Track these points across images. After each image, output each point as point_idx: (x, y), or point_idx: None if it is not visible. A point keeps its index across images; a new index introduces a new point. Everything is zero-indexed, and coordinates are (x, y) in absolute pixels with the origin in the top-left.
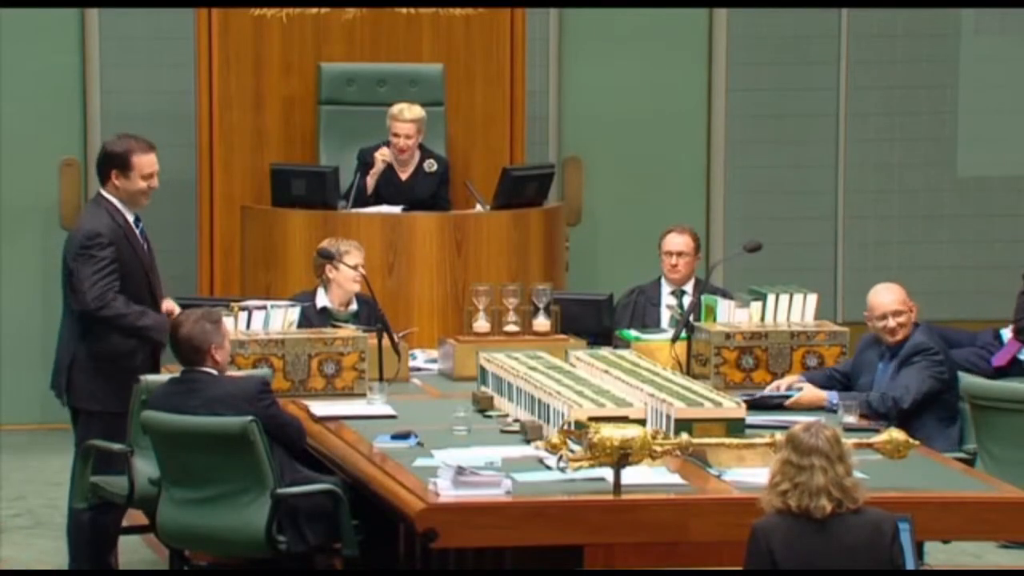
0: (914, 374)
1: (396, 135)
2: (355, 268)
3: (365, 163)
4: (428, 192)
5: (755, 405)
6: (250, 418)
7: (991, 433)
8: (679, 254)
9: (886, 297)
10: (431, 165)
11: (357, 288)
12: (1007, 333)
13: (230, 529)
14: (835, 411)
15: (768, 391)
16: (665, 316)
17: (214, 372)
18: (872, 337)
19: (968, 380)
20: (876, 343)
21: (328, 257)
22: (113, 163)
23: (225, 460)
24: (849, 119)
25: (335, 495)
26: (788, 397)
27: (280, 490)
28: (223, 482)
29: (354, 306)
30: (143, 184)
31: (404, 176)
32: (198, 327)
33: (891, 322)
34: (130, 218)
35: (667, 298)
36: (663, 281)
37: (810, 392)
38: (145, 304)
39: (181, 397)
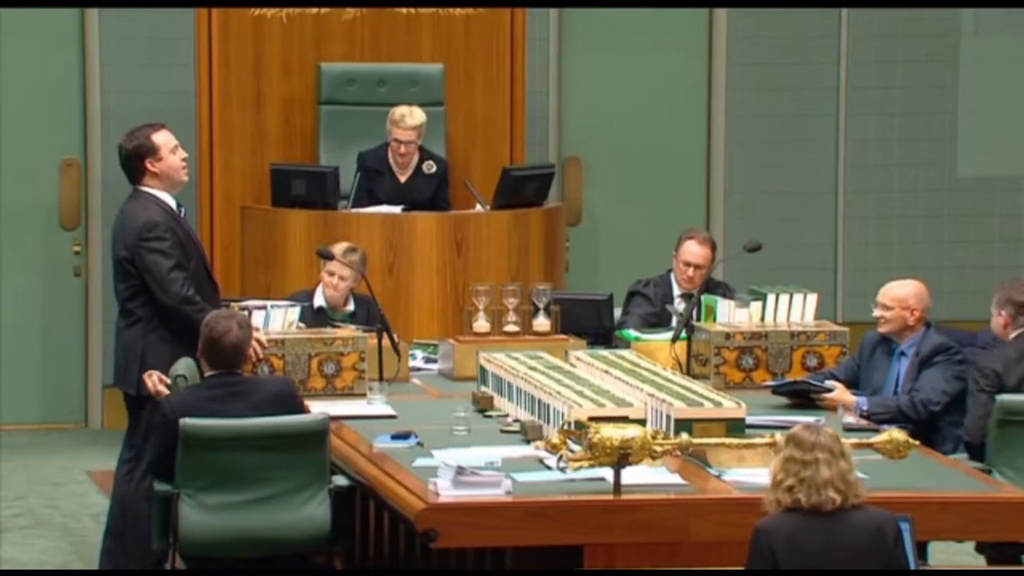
0: (938, 375)
1: (397, 141)
2: (332, 274)
3: (365, 168)
4: (427, 194)
5: (783, 392)
6: (327, 415)
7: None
8: (696, 267)
9: (888, 288)
10: (430, 167)
11: (336, 295)
12: None
13: (291, 526)
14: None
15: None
16: (673, 316)
17: (242, 373)
18: (879, 336)
19: (1003, 397)
20: (885, 340)
21: (326, 256)
22: (141, 152)
23: (289, 458)
24: (849, 119)
25: (349, 490)
26: (823, 389)
27: (333, 484)
28: (286, 480)
29: (351, 306)
30: (175, 159)
31: (403, 178)
32: (244, 333)
33: (876, 311)
34: (172, 204)
35: (677, 299)
36: (674, 282)
37: (842, 393)
38: (204, 287)
39: (220, 402)
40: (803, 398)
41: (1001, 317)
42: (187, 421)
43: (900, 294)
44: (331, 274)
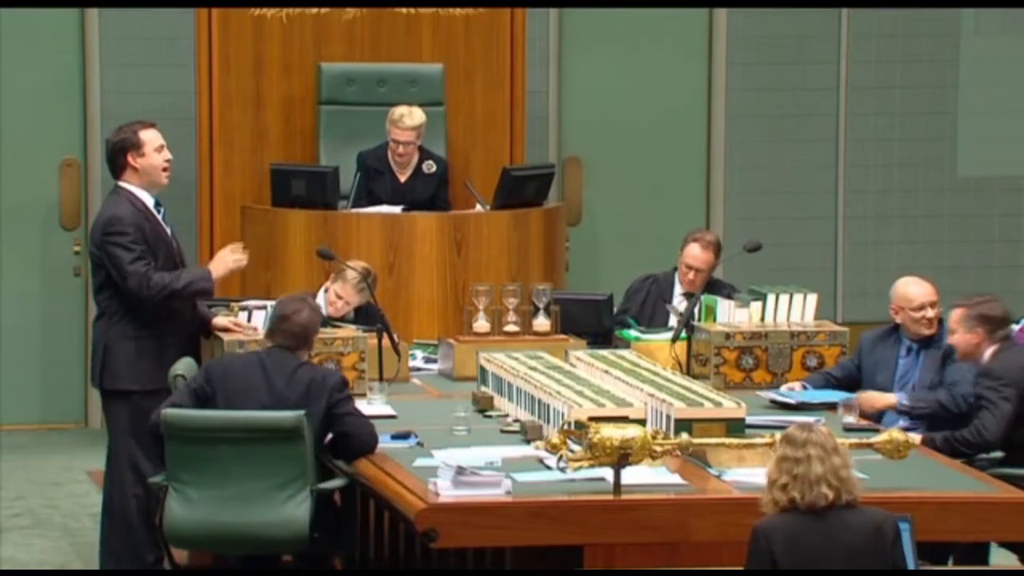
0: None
1: (396, 141)
2: (339, 297)
3: (365, 167)
4: (427, 194)
5: (788, 406)
6: (303, 412)
7: None
8: (697, 270)
9: (922, 288)
10: (430, 167)
11: (337, 313)
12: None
13: (268, 525)
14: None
15: (795, 393)
16: (672, 315)
17: (300, 356)
18: (878, 335)
19: None
20: (886, 339)
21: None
22: (125, 146)
23: (265, 454)
24: (849, 119)
25: (350, 489)
26: (834, 404)
27: (319, 486)
28: (265, 477)
29: (350, 315)
30: (159, 158)
31: (403, 178)
32: (317, 317)
33: (930, 312)
34: (149, 203)
35: (678, 298)
36: (677, 280)
37: (875, 395)
38: None
39: (260, 371)
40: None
41: (975, 335)
42: (168, 412)
43: (934, 288)
44: (339, 297)
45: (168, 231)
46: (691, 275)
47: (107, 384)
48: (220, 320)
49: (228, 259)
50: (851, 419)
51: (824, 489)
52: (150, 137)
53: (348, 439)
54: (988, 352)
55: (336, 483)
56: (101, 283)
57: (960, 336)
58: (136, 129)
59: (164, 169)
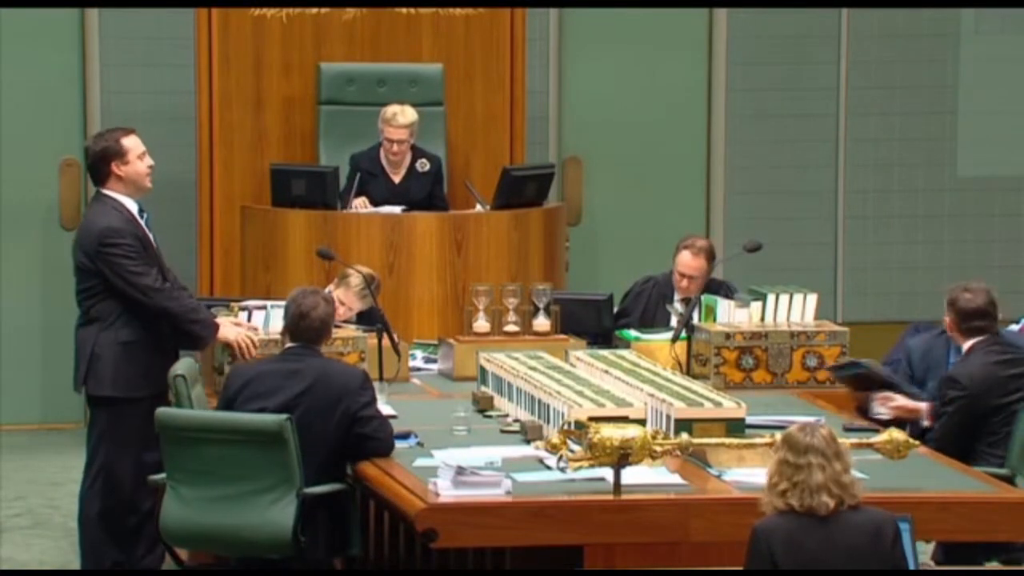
0: None
1: (389, 140)
2: (342, 303)
3: (359, 169)
4: (423, 192)
5: (844, 378)
6: (285, 417)
7: None
8: (690, 278)
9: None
10: (424, 165)
11: (339, 319)
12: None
13: (253, 528)
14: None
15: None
16: (673, 316)
17: (319, 351)
18: (928, 339)
19: None
20: (935, 342)
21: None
22: (108, 155)
23: (250, 457)
24: (849, 119)
25: (345, 493)
26: (891, 383)
27: (307, 490)
28: (249, 480)
29: (353, 318)
30: (142, 165)
31: (397, 179)
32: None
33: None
34: (134, 210)
35: (677, 302)
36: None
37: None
38: None
39: (285, 377)
40: (864, 388)
41: (946, 320)
42: (160, 411)
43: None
44: (341, 303)
45: (151, 236)
46: (684, 282)
47: (92, 390)
48: (226, 333)
49: (241, 334)
50: (851, 419)
51: (825, 498)
52: (132, 144)
53: (368, 441)
54: (966, 344)
55: (326, 488)
56: (94, 291)
57: (945, 317)
58: (118, 137)
59: (147, 175)
